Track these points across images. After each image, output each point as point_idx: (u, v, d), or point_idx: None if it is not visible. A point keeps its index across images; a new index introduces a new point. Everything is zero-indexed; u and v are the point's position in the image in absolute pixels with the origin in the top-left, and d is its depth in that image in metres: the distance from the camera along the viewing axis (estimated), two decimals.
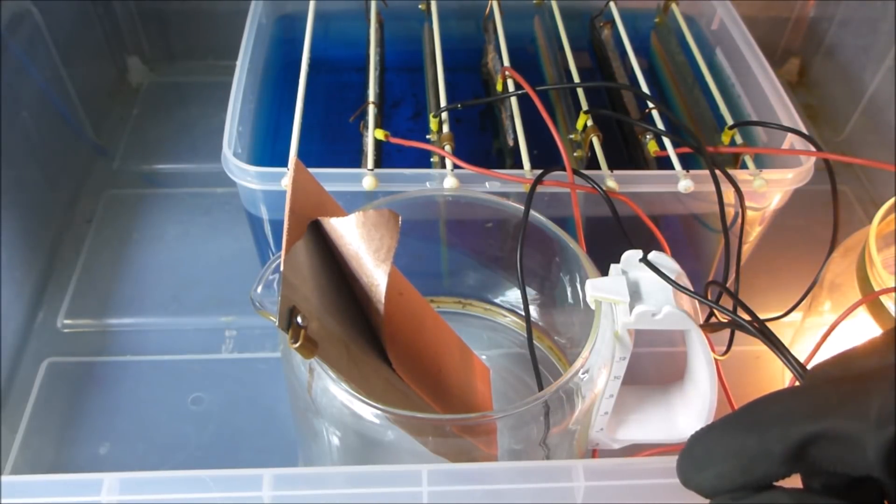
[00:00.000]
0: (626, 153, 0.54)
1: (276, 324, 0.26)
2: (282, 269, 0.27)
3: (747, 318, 0.35)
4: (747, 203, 0.46)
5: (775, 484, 0.23)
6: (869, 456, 0.21)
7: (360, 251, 0.31)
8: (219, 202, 0.67)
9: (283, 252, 0.28)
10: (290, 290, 0.27)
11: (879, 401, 0.21)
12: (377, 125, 0.49)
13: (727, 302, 0.37)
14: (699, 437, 0.25)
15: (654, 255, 0.37)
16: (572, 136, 0.52)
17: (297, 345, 0.26)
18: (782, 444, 0.22)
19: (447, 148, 0.47)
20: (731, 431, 0.24)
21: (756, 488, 0.23)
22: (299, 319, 0.26)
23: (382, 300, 0.31)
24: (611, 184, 0.45)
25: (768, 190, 0.47)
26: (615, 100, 0.56)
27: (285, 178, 0.44)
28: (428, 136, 0.50)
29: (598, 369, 0.37)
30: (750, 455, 0.23)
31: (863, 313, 0.42)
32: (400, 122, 0.59)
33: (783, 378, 0.53)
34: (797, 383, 0.33)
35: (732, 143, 0.51)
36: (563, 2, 0.62)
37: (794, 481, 0.24)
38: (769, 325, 0.35)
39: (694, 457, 0.25)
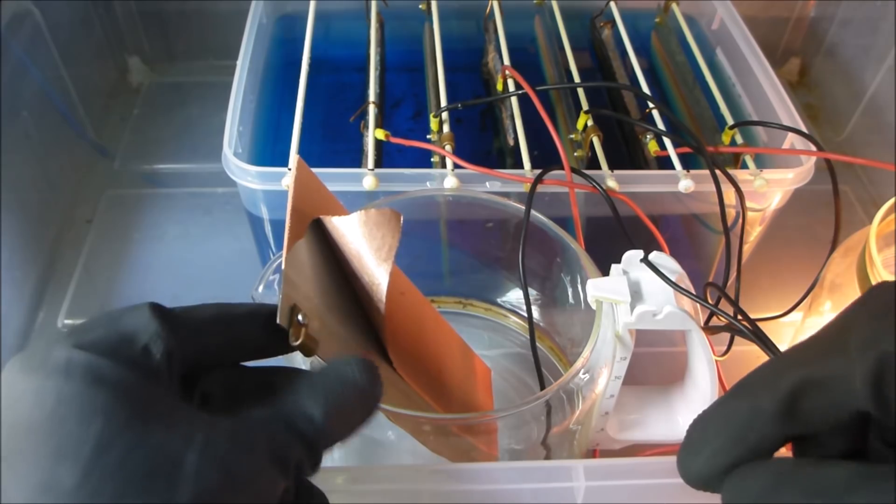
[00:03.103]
0: (626, 153, 0.54)
1: (278, 321, 0.26)
2: (283, 267, 0.27)
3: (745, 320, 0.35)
4: (748, 203, 0.46)
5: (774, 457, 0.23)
6: (856, 387, 0.21)
7: (362, 250, 0.31)
8: (219, 202, 0.66)
9: (284, 250, 0.28)
10: (291, 289, 0.27)
11: (855, 333, 0.22)
12: (378, 125, 0.49)
13: (726, 303, 0.37)
14: (694, 423, 0.25)
15: (654, 256, 0.37)
16: (573, 136, 0.52)
17: (298, 343, 0.26)
18: (772, 399, 0.23)
19: (448, 147, 0.47)
20: (722, 405, 0.24)
21: (753, 460, 0.23)
22: (300, 318, 0.26)
23: (384, 299, 0.31)
24: (611, 183, 0.45)
25: (769, 190, 0.47)
26: (616, 100, 0.56)
27: (286, 178, 0.44)
28: (428, 136, 0.50)
29: (599, 369, 0.37)
30: (742, 420, 0.23)
31: None
32: (400, 121, 0.59)
33: None
34: None
35: (733, 142, 0.51)
36: (564, 2, 0.62)
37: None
38: (770, 324, 0.35)
39: (690, 443, 0.25)
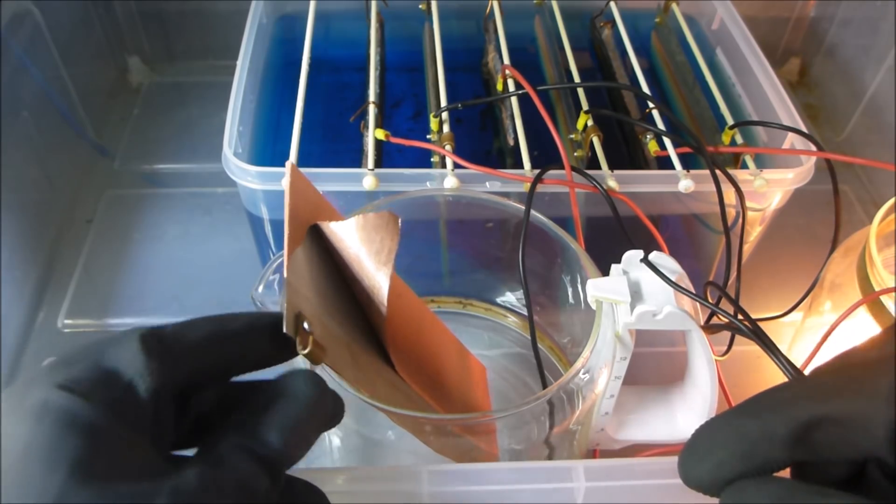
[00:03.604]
0: (626, 153, 0.54)
1: (284, 331, 0.25)
2: (285, 274, 0.27)
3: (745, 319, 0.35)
4: (748, 203, 0.46)
5: (775, 475, 0.23)
6: (877, 434, 0.21)
7: (361, 254, 0.31)
8: (219, 202, 0.66)
9: (285, 257, 0.28)
10: (294, 295, 0.27)
11: (888, 379, 0.22)
12: (378, 125, 0.49)
13: (726, 303, 0.37)
14: (701, 430, 0.25)
15: (654, 256, 0.37)
16: (573, 136, 0.52)
17: (307, 351, 0.26)
18: (786, 426, 0.22)
19: (448, 147, 0.47)
20: (733, 419, 0.24)
21: (755, 477, 0.23)
22: (306, 325, 0.26)
23: (385, 302, 0.31)
24: (611, 183, 0.45)
25: (769, 190, 0.47)
26: (616, 100, 0.56)
27: (285, 178, 0.44)
28: (428, 136, 0.50)
29: (599, 369, 0.37)
30: (752, 439, 0.23)
31: (863, 313, 0.42)
32: (400, 121, 0.59)
33: (783, 379, 0.53)
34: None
35: (733, 142, 0.51)
36: (564, 1, 0.62)
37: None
38: (769, 324, 0.35)
39: (695, 449, 0.24)
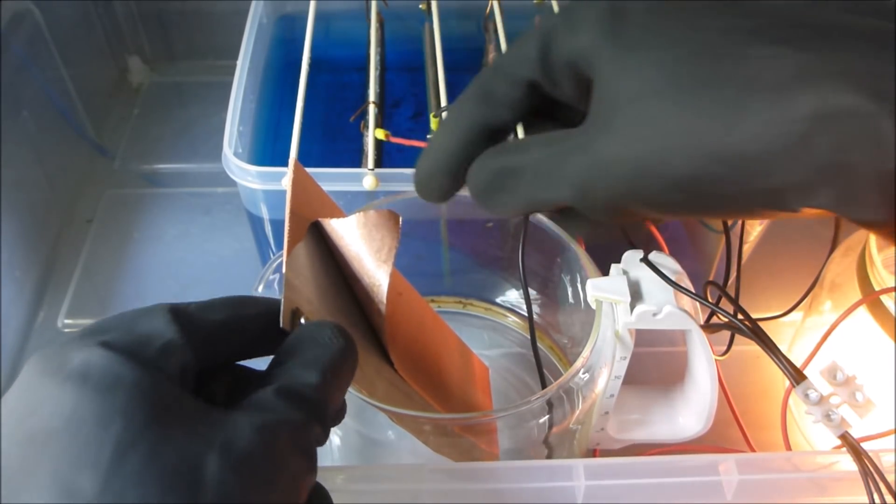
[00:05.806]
0: None
1: (280, 325, 0.26)
2: (284, 271, 0.27)
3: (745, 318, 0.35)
4: None
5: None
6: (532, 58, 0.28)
7: (361, 252, 0.31)
8: (219, 202, 0.66)
9: (284, 254, 0.28)
10: (292, 293, 0.27)
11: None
12: (378, 125, 0.49)
13: (726, 302, 0.37)
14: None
15: (654, 255, 0.37)
16: None
17: None
18: (467, 93, 0.31)
19: None
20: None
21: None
22: (302, 321, 0.26)
23: (384, 301, 0.31)
24: None
25: None
26: None
27: (286, 178, 0.44)
28: (428, 136, 0.50)
29: (599, 369, 0.37)
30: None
31: (863, 313, 0.42)
32: (400, 121, 0.59)
33: (783, 378, 0.53)
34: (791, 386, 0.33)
35: None
36: (564, 1, 0.62)
37: None
38: (769, 324, 0.35)
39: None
